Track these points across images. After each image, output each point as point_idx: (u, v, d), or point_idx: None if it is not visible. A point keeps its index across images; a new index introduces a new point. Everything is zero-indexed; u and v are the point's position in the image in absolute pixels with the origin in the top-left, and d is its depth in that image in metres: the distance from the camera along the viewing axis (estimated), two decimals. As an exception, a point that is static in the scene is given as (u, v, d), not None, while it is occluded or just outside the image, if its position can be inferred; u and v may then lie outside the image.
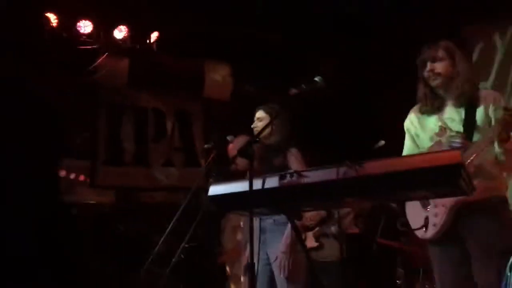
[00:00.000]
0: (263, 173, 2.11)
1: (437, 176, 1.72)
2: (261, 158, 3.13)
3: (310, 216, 4.20)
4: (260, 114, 3.37)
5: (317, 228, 4.39)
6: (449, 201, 2.39)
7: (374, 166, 1.86)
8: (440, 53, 2.51)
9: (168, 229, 3.15)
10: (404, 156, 2.52)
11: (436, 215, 2.44)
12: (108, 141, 5.91)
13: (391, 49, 5.30)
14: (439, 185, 1.79)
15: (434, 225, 2.44)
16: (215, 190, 2.26)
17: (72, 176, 5.55)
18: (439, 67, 2.49)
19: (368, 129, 5.35)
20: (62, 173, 5.46)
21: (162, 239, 3.15)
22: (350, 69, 5.69)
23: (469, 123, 2.43)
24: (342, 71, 5.45)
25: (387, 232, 4.19)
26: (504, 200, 2.50)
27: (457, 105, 2.49)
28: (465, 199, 2.21)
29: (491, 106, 2.45)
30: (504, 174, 2.54)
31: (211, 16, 5.16)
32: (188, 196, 3.26)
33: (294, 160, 3.18)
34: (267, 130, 3.10)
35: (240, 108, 3.59)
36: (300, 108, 2.48)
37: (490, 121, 2.43)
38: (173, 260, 3.32)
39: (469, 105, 2.47)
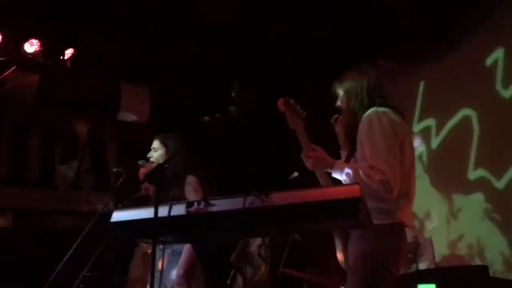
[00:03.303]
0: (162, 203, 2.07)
1: (337, 209, 1.78)
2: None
3: None
4: (155, 144, 3.44)
5: None
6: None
7: (280, 197, 1.89)
8: (336, 91, 2.46)
9: (66, 256, 2.95)
10: (309, 189, 2.47)
11: None
12: (11, 160, 5.52)
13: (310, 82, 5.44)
14: (339, 218, 1.85)
15: None
16: (118, 216, 2.16)
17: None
18: (339, 102, 2.46)
19: (285, 159, 5.44)
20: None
21: (59, 267, 2.95)
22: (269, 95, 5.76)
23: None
24: (262, 97, 5.49)
25: (292, 262, 4.23)
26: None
27: None
28: None
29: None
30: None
31: (130, 35, 5.04)
32: (92, 221, 3.09)
33: (190, 189, 3.20)
34: (162, 159, 3.23)
35: (158, 132, 3.54)
36: (215, 135, 2.45)
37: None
38: (72, 289, 3.11)
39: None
